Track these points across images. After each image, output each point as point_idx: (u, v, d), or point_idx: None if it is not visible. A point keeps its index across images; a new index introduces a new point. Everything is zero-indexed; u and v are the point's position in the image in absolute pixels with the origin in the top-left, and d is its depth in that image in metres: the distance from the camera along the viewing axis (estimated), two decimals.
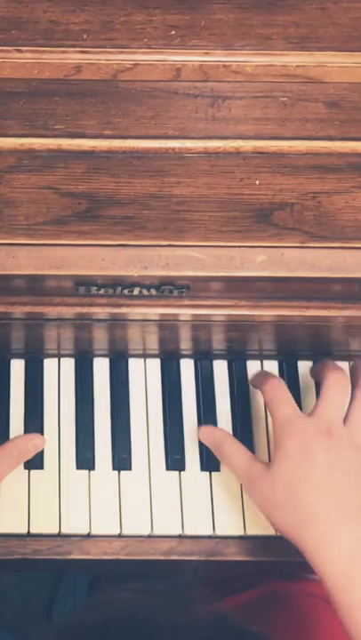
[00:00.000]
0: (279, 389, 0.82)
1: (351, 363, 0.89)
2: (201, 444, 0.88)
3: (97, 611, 0.61)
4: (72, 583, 1.23)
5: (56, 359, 0.91)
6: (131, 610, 0.59)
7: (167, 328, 0.86)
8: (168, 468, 0.87)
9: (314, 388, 0.91)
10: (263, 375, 0.85)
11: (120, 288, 0.80)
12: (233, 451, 0.83)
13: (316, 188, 0.79)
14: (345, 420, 0.81)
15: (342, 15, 0.82)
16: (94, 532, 0.85)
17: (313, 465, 0.77)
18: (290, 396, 0.82)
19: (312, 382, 0.91)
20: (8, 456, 0.83)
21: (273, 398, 0.82)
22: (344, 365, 0.91)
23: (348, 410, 0.82)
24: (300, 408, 0.89)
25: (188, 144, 0.80)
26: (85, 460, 0.87)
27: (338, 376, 0.82)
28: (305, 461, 0.77)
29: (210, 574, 0.84)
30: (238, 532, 0.85)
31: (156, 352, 0.91)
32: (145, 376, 0.91)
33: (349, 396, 0.83)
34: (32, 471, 0.86)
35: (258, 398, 0.90)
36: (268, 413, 0.83)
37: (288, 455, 0.78)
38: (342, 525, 0.75)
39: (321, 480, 0.76)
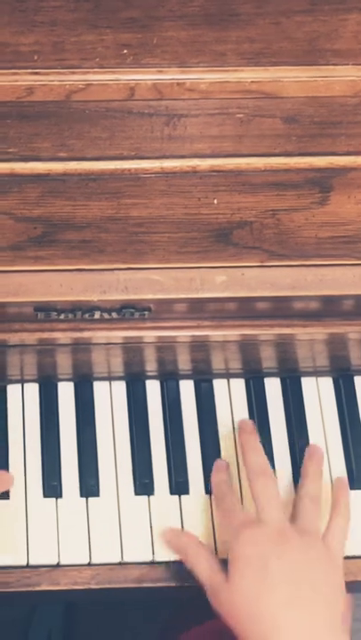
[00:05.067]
0: (231, 499, 0.82)
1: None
2: (169, 467, 0.87)
3: None
4: (48, 608, 1.22)
5: (19, 385, 0.89)
6: None
7: (131, 350, 0.85)
8: (137, 493, 0.86)
9: (282, 405, 0.90)
10: (218, 493, 0.84)
11: (80, 313, 0.79)
12: (197, 559, 0.81)
13: (275, 205, 0.78)
14: (294, 515, 0.81)
15: (296, 29, 0.81)
16: (63, 561, 0.83)
17: (269, 576, 0.75)
18: (239, 505, 0.81)
19: (280, 399, 0.90)
20: None
21: (226, 510, 0.81)
22: (312, 382, 0.91)
23: (296, 505, 0.82)
24: (268, 425, 0.89)
25: (145, 164, 0.79)
26: (52, 487, 0.85)
27: (260, 475, 0.81)
28: (261, 573, 0.75)
29: (182, 600, 0.82)
30: None
31: (122, 374, 0.89)
32: (111, 399, 0.90)
33: (276, 480, 0.82)
34: None
35: (225, 416, 0.89)
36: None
37: (241, 569, 0.76)
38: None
39: (278, 592, 0.75)
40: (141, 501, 0.85)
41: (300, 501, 0.82)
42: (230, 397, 0.90)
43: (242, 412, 0.90)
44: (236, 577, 0.76)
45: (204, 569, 0.79)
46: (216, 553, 0.83)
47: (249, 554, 0.77)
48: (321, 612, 0.75)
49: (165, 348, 0.85)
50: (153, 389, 0.90)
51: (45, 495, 0.85)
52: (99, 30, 0.81)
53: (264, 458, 0.83)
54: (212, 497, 0.84)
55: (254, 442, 0.84)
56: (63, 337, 0.82)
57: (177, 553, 0.82)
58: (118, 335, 0.82)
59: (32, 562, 0.83)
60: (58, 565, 0.83)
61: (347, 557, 0.85)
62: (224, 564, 0.78)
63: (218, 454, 0.87)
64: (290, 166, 0.79)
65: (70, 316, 0.79)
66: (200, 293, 0.76)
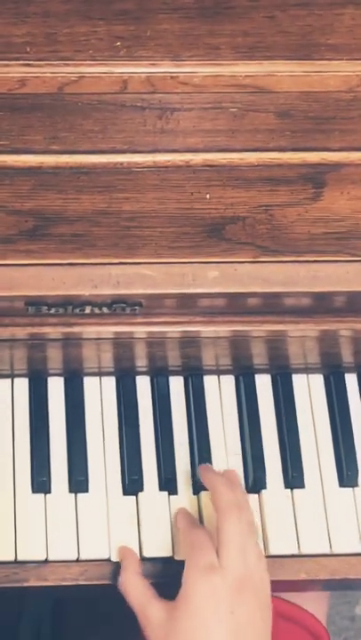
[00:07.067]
0: (202, 536, 0.78)
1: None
2: (159, 463, 0.86)
3: None
4: (37, 604, 1.21)
5: (9, 380, 0.89)
6: None
7: (122, 346, 0.85)
8: (125, 490, 0.85)
9: (273, 402, 0.90)
10: (184, 526, 0.81)
11: (71, 307, 0.79)
12: (132, 583, 0.79)
13: (268, 200, 0.78)
14: None
15: (291, 23, 0.81)
16: (52, 557, 0.82)
17: (216, 631, 0.73)
18: (210, 543, 0.77)
19: (270, 396, 0.90)
20: None
21: (195, 541, 0.78)
22: (303, 379, 0.90)
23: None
24: (258, 422, 0.88)
25: (137, 158, 0.78)
26: (41, 483, 0.84)
27: (234, 511, 0.77)
28: (209, 624, 0.73)
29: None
30: None
31: (112, 370, 0.89)
32: (100, 395, 0.89)
33: (250, 524, 0.78)
34: None
35: (215, 413, 0.89)
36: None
37: (193, 612, 0.74)
38: None
39: None
40: (130, 498, 0.85)
41: (248, 537, 0.77)
42: (220, 394, 0.90)
43: (232, 408, 0.89)
44: (181, 618, 0.74)
45: (138, 596, 0.77)
46: None
47: (205, 602, 0.74)
48: None
49: (156, 344, 0.84)
50: (143, 385, 0.89)
51: (34, 491, 0.84)
52: (92, 22, 0.80)
53: (233, 491, 0.79)
54: (180, 523, 0.82)
55: (219, 477, 0.80)
56: (54, 332, 0.81)
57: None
58: (109, 330, 0.81)
59: (20, 557, 0.82)
60: (46, 561, 0.82)
61: (334, 555, 0.85)
62: None
63: (208, 451, 0.87)
64: (283, 161, 0.79)
65: (61, 310, 0.79)
66: (192, 289, 0.76)
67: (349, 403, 0.90)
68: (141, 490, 0.85)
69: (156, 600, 0.77)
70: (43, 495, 0.84)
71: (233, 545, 0.76)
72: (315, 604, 0.94)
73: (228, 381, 0.90)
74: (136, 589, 0.78)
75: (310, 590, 0.91)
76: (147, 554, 0.83)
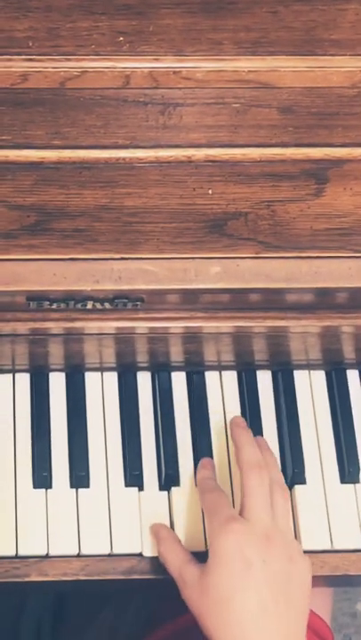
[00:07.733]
0: (218, 494, 0.80)
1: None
2: (160, 459, 0.86)
3: None
4: (38, 599, 1.22)
5: (10, 375, 0.89)
6: None
7: (123, 341, 0.85)
8: (127, 485, 0.85)
9: (274, 398, 0.90)
10: (203, 487, 0.82)
11: (73, 302, 0.79)
12: (168, 551, 0.80)
13: (270, 196, 0.78)
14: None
15: (294, 19, 0.81)
16: (52, 552, 0.82)
17: (248, 579, 0.74)
18: (228, 499, 0.79)
19: (271, 392, 0.90)
20: None
21: (211, 503, 0.79)
22: (304, 375, 0.90)
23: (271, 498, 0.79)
24: (260, 418, 0.88)
25: (139, 153, 0.78)
26: (42, 478, 0.84)
27: (256, 469, 0.79)
28: (240, 574, 0.74)
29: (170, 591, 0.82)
30: (199, 548, 0.83)
31: (113, 365, 0.89)
32: (102, 390, 0.89)
33: (268, 474, 0.80)
34: None
35: (217, 409, 0.89)
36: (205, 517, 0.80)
37: (222, 563, 0.74)
38: None
39: (254, 597, 0.73)
40: (131, 493, 0.85)
41: (275, 494, 0.80)
42: (222, 390, 0.90)
43: (234, 404, 0.89)
44: (212, 572, 0.75)
45: (176, 561, 0.79)
46: (205, 547, 0.83)
47: (232, 551, 0.75)
48: (289, 627, 0.74)
49: (158, 339, 0.84)
50: (145, 381, 0.89)
51: (35, 486, 0.84)
52: (94, 17, 0.80)
53: (258, 451, 0.81)
54: (198, 492, 0.83)
55: (248, 436, 0.83)
56: (55, 327, 0.81)
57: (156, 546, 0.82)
58: (111, 326, 0.82)
59: (21, 552, 0.82)
60: (47, 556, 0.83)
61: (335, 551, 0.85)
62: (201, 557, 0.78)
63: (209, 447, 0.87)
64: (286, 157, 0.79)
65: (63, 305, 0.79)
66: (194, 284, 0.76)
67: (351, 399, 0.90)
68: (143, 485, 0.85)
69: (191, 562, 0.78)
70: (44, 490, 0.84)
71: (254, 498, 0.77)
72: (319, 602, 0.94)
73: (230, 377, 0.90)
74: (174, 556, 0.79)
75: (313, 587, 0.91)
76: (148, 549, 0.83)
